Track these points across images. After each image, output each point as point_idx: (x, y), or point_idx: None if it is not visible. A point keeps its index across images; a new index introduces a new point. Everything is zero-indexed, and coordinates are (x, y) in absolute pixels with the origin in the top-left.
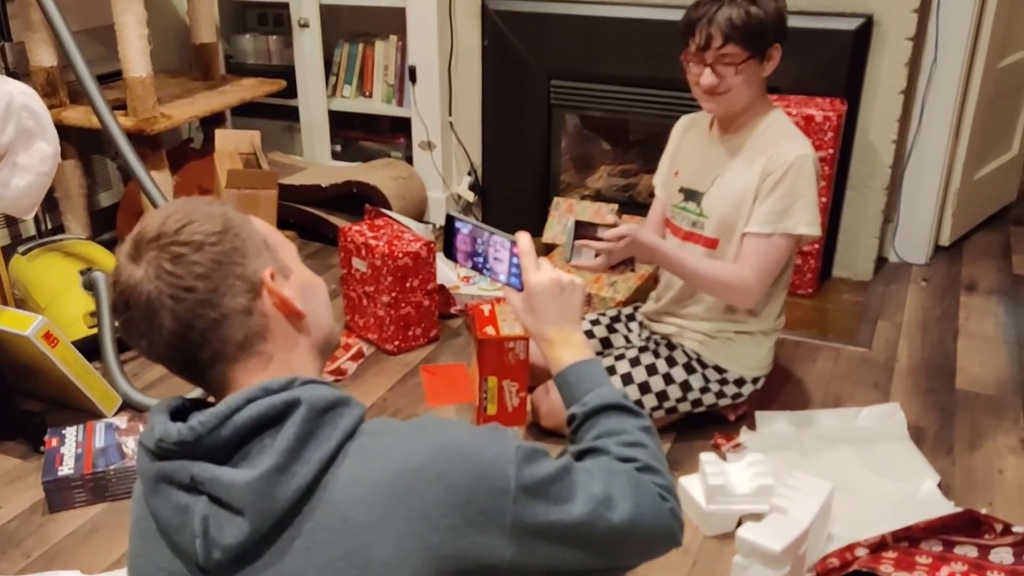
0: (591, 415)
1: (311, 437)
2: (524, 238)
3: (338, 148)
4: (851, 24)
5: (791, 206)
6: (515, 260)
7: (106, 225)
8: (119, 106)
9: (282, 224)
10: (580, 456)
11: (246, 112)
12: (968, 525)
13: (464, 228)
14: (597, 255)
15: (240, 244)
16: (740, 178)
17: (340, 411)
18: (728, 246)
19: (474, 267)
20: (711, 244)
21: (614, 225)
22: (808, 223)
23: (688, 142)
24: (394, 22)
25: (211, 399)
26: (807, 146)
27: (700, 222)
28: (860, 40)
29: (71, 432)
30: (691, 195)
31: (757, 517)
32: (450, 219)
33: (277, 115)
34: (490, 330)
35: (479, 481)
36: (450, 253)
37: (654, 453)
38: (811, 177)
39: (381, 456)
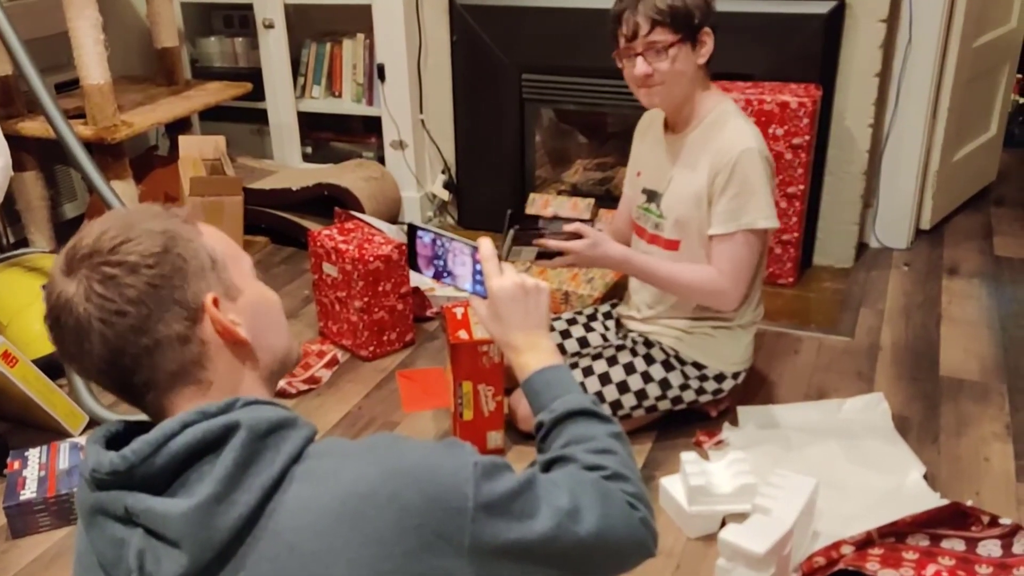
0: (558, 422)
1: (252, 462)
2: (485, 244)
3: (309, 150)
4: (823, 8)
5: (746, 203)
6: (478, 267)
7: (71, 237)
8: (79, 114)
9: (253, 229)
10: (548, 465)
11: (214, 116)
12: (954, 518)
13: (426, 236)
14: (552, 256)
15: (181, 266)
16: (693, 178)
17: (284, 434)
18: (689, 248)
19: (435, 274)
20: (672, 246)
21: (568, 222)
22: (766, 216)
23: (647, 141)
24: (361, 20)
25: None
26: (752, 137)
27: (660, 224)
28: (833, 23)
29: (34, 453)
30: (652, 196)
31: (741, 517)
32: (412, 228)
33: (246, 118)
34: (463, 334)
35: (434, 501)
36: (412, 262)
37: (624, 460)
38: (759, 169)
39: (329, 480)
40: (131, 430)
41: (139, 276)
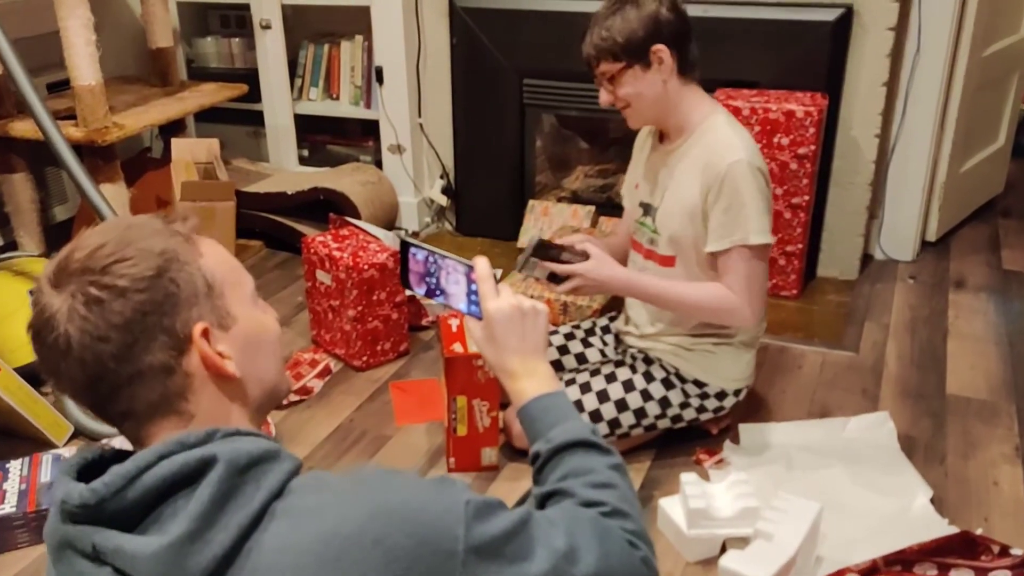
0: (555, 453)
1: (229, 499)
2: (482, 263)
3: (305, 153)
4: (830, 15)
5: (735, 217)
6: (473, 287)
7: (62, 240)
8: (71, 115)
9: (248, 233)
10: (543, 500)
11: (210, 118)
12: (964, 547)
13: (419, 253)
14: (561, 281)
15: (173, 292)
16: (684, 194)
17: (265, 468)
18: (685, 265)
19: (427, 292)
20: (667, 262)
21: (583, 254)
22: (758, 231)
23: (644, 152)
24: (359, 21)
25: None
26: (741, 149)
27: (655, 239)
28: (840, 31)
29: (15, 465)
30: (647, 209)
31: (742, 541)
32: (404, 244)
33: (242, 120)
34: (458, 347)
35: (422, 545)
36: (404, 279)
37: (624, 495)
38: (749, 181)
39: (312, 519)
40: (107, 458)
41: (127, 301)
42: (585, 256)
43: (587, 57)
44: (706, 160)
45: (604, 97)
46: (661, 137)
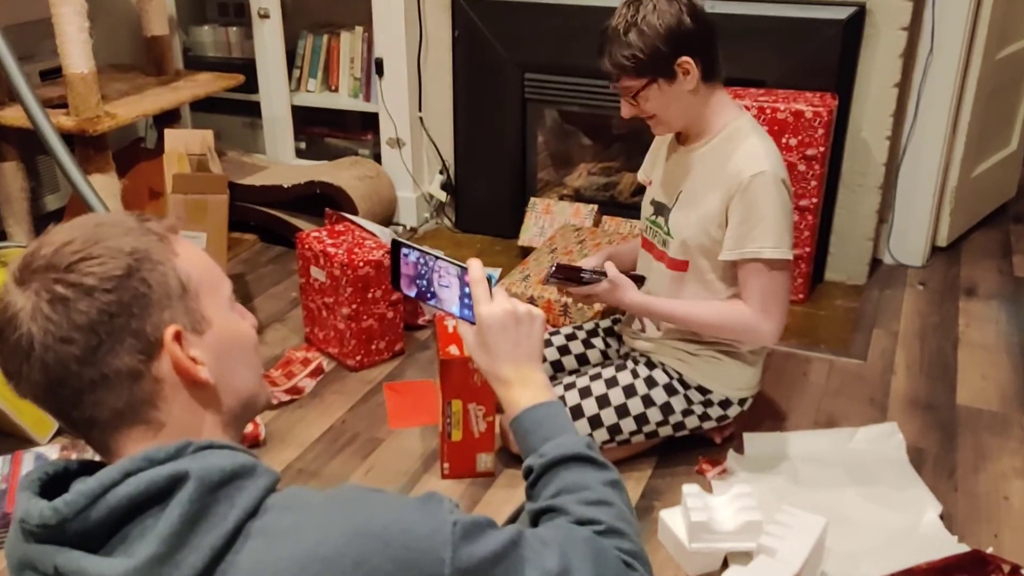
0: (549, 468)
1: (201, 518)
2: (475, 265)
3: (302, 145)
4: (842, 13)
5: (752, 230)
6: (467, 290)
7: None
8: (63, 104)
9: (242, 227)
10: (536, 517)
11: (205, 107)
12: (973, 565)
13: (411, 255)
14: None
15: (144, 292)
16: (701, 200)
17: (239, 484)
18: (697, 271)
19: (418, 294)
20: (678, 266)
21: (602, 274)
22: (774, 245)
23: (662, 150)
24: (360, 12)
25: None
26: (765, 159)
27: (668, 242)
28: (852, 31)
29: None
30: (660, 208)
31: (744, 556)
32: (396, 244)
33: (238, 111)
34: (453, 349)
35: (406, 568)
36: (395, 281)
37: (620, 513)
38: (771, 195)
39: (289, 539)
40: (71, 472)
41: (93, 301)
42: (603, 274)
43: (608, 70)
44: (729, 168)
45: (626, 110)
46: (678, 137)
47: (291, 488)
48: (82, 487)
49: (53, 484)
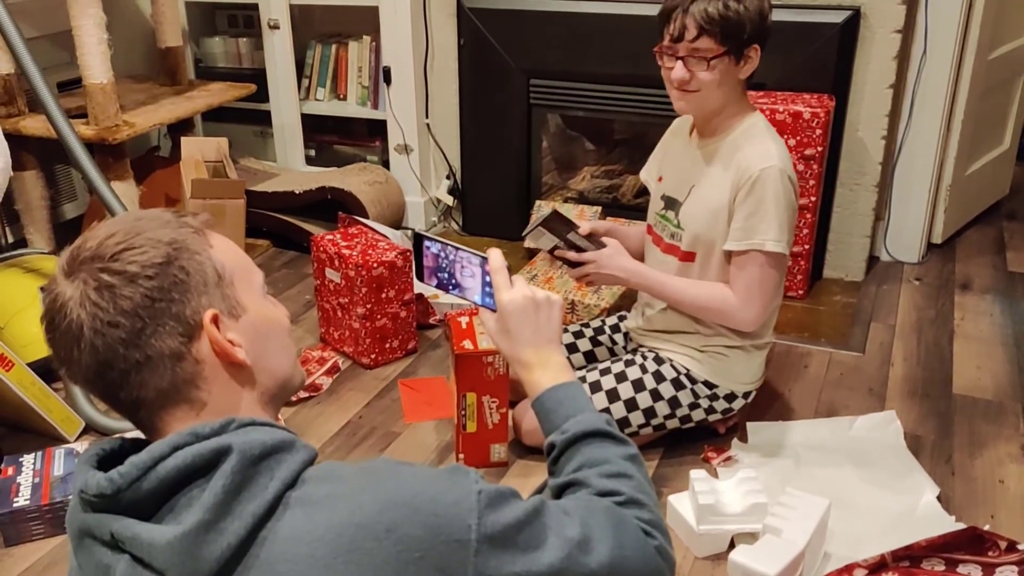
0: (570, 443)
1: (243, 488)
2: (495, 255)
3: (312, 153)
4: (838, 17)
5: (759, 223)
6: (488, 279)
7: (71, 238)
8: (81, 114)
9: (255, 232)
10: (559, 491)
11: (217, 117)
12: (971, 542)
13: (433, 247)
14: (575, 265)
15: (183, 279)
16: (714, 191)
17: (279, 457)
18: (704, 261)
19: (440, 285)
20: (687, 258)
21: (601, 243)
22: (774, 239)
23: (675, 146)
24: (367, 22)
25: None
26: (776, 156)
27: (678, 234)
28: (847, 33)
29: (28, 459)
30: (670, 203)
31: (751, 537)
32: (418, 237)
33: (249, 119)
34: (467, 344)
35: (435, 534)
36: (419, 272)
37: (639, 485)
38: (777, 190)
39: (325, 508)
40: (126, 449)
41: (136, 287)
42: (602, 245)
43: (684, 25)
44: (740, 162)
45: (679, 72)
46: (693, 132)
47: (327, 462)
48: (135, 459)
49: (109, 460)
